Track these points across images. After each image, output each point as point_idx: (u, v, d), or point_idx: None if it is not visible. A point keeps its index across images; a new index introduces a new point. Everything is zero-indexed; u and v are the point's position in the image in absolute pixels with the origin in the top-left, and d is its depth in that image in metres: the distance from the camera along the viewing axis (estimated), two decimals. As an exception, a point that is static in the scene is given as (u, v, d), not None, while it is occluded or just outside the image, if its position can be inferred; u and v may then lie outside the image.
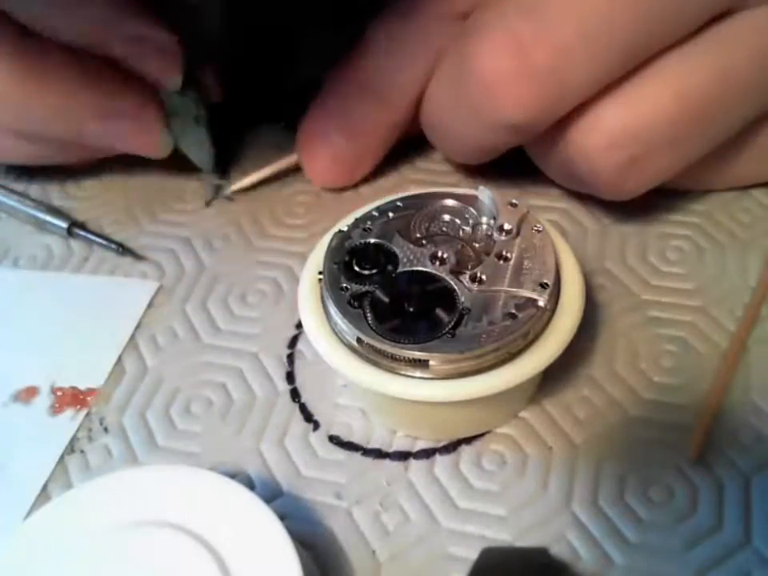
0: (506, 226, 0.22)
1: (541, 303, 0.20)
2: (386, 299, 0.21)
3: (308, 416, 0.24)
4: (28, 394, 0.26)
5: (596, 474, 0.22)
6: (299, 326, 0.27)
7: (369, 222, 0.23)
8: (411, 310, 0.21)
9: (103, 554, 0.18)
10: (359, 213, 0.24)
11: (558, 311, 0.21)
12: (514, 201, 0.23)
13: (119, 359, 0.27)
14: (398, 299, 0.21)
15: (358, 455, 0.23)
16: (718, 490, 0.21)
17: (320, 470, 0.23)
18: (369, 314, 0.21)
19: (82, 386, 0.26)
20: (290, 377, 0.25)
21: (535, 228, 0.22)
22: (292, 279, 0.28)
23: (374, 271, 0.22)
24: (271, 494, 0.22)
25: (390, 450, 0.23)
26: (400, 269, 0.22)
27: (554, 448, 0.23)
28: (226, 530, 0.18)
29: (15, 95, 0.27)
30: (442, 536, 0.21)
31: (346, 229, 0.23)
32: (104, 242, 0.30)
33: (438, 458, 0.23)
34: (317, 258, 0.23)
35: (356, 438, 0.24)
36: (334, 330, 0.21)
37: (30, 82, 0.27)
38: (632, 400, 0.23)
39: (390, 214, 0.23)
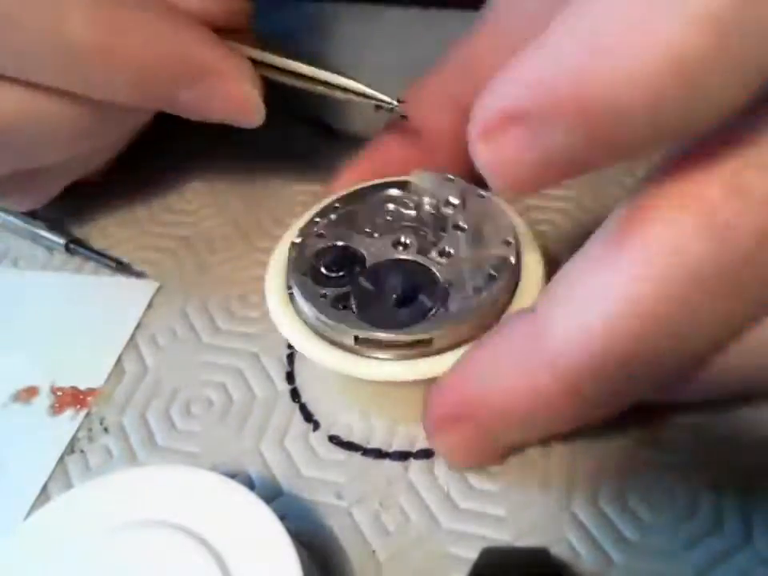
0: (452, 200, 0.23)
1: (511, 258, 0.22)
2: (371, 287, 0.22)
3: (308, 416, 0.24)
4: (28, 393, 0.26)
5: (596, 473, 0.22)
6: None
7: (316, 227, 0.23)
8: (395, 296, 0.21)
9: (103, 554, 0.18)
10: (300, 223, 0.24)
11: (524, 260, 0.22)
12: (449, 176, 0.24)
13: (119, 359, 0.27)
14: (381, 290, 0.22)
15: (357, 455, 0.23)
16: (718, 490, 0.21)
17: (320, 470, 0.23)
18: (356, 311, 0.21)
19: (82, 386, 0.26)
20: (290, 377, 0.25)
21: (479, 195, 0.24)
22: (292, 279, 0.28)
23: (343, 273, 0.22)
24: (271, 494, 0.22)
25: (390, 450, 0.23)
26: (369, 263, 0.22)
27: (554, 448, 0.23)
28: (225, 530, 0.18)
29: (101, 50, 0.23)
30: (441, 536, 0.21)
31: (299, 240, 0.23)
32: (102, 259, 0.30)
33: (438, 457, 0.23)
34: (276, 276, 0.23)
35: (356, 438, 0.24)
36: (324, 338, 0.21)
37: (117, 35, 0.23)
38: (632, 400, 0.23)
39: (332, 215, 0.24)
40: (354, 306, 0.21)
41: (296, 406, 0.25)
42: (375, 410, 0.24)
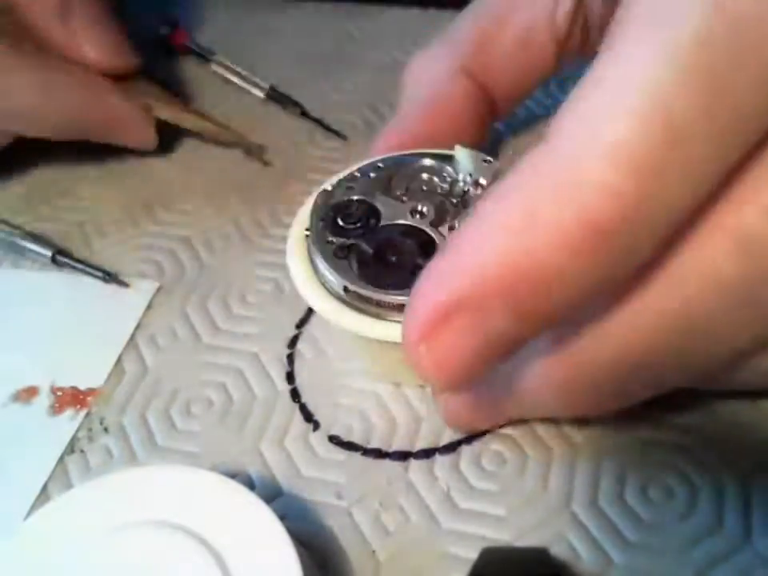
0: (482, 181, 0.24)
1: None
2: (370, 250, 0.22)
3: (308, 416, 0.24)
4: (28, 393, 0.26)
5: (596, 473, 0.22)
6: (299, 325, 0.27)
7: (351, 182, 0.25)
8: (393, 259, 0.22)
9: (103, 554, 0.18)
10: (342, 174, 0.25)
11: None
12: (488, 158, 0.24)
13: (119, 359, 0.27)
14: (382, 250, 0.23)
15: (357, 455, 0.23)
16: (718, 490, 0.21)
17: (320, 470, 0.23)
18: (354, 265, 0.22)
19: (82, 386, 0.26)
20: (290, 377, 0.25)
21: None
22: (292, 279, 0.28)
23: (358, 225, 0.23)
24: (271, 494, 0.22)
25: (390, 450, 0.23)
26: (382, 223, 0.23)
27: (554, 448, 0.23)
28: (226, 530, 0.18)
29: (38, 108, 0.31)
30: (441, 536, 0.21)
31: (330, 188, 0.24)
32: (89, 270, 0.29)
33: (437, 457, 0.23)
34: (302, 217, 0.24)
35: (356, 438, 0.24)
36: (321, 282, 0.23)
37: (52, 96, 0.31)
38: (632, 400, 0.23)
39: (372, 174, 0.25)
40: (352, 260, 0.22)
41: (296, 406, 0.25)
42: (376, 370, 0.25)
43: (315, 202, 0.24)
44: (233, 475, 0.23)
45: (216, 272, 0.29)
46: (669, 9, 0.14)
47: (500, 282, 0.14)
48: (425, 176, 0.25)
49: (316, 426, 0.24)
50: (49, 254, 0.30)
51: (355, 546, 0.21)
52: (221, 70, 0.38)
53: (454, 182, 0.24)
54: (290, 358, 0.26)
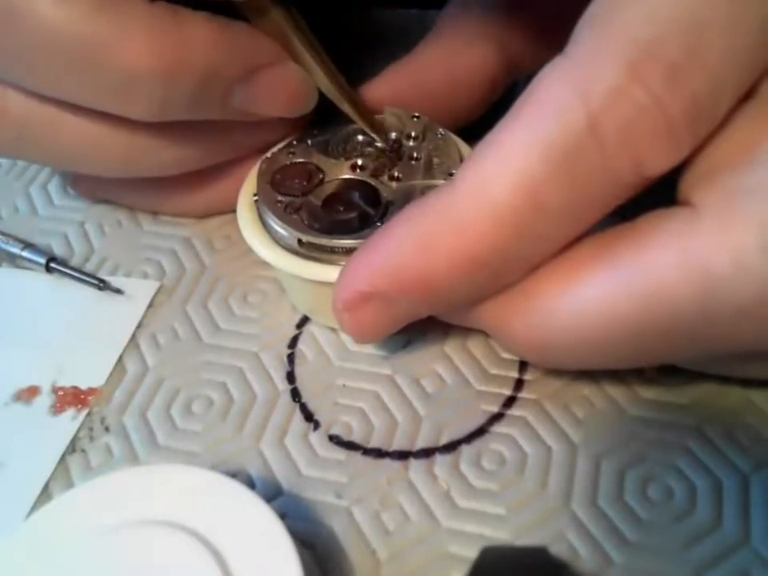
0: (413, 134, 0.26)
1: None
2: (319, 203, 0.25)
3: (308, 416, 0.24)
4: (29, 393, 0.26)
5: (595, 473, 0.22)
6: (299, 325, 0.27)
7: (292, 148, 0.27)
8: (341, 209, 0.24)
9: (104, 554, 0.18)
10: (281, 144, 0.27)
11: None
12: (416, 114, 0.27)
13: (120, 359, 0.27)
14: (329, 202, 0.25)
15: (358, 455, 0.23)
16: (717, 490, 0.21)
17: (320, 470, 0.23)
18: (305, 219, 0.24)
19: (83, 386, 0.26)
20: (290, 377, 0.25)
21: (438, 133, 0.27)
22: (292, 279, 0.28)
23: (304, 183, 0.25)
24: (271, 494, 0.23)
25: (390, 450, 0.23)
26: (326, 180, 0.25)
27: (554, 447, 0.23)
28: (226, 530, 0.18)
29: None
30: (441, 535, 0.21)
31: (271, 155, 0.27)
32: (84, 278, 0.29)
33: (437, 457, 0.23)
34: (249, 185, 0.26)
35: (356, 438, 0.24)
36: (274, 239, 0.25)
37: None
38: (631, 399, 0.23)
39: (309, 140, 0.27)
40: (304, 214, 0.24)
41: (296, 406, 0.25)
42: (318, 314, 0.26)
43: (260, 168, 0.26)
44: (233, 475, 0.23)
45: (216, 272, 0.29)
46: (554, 112, 0.18)
47: (406, 284, 0.20)
48: (359, 137, 0.27)
49: (316, 425, 0.24)
50: (43, 261, 0.29)
51: (355, 545, 0.21)
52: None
53: (387, 139, 0.26)
54: (290, 358, 0.26)
